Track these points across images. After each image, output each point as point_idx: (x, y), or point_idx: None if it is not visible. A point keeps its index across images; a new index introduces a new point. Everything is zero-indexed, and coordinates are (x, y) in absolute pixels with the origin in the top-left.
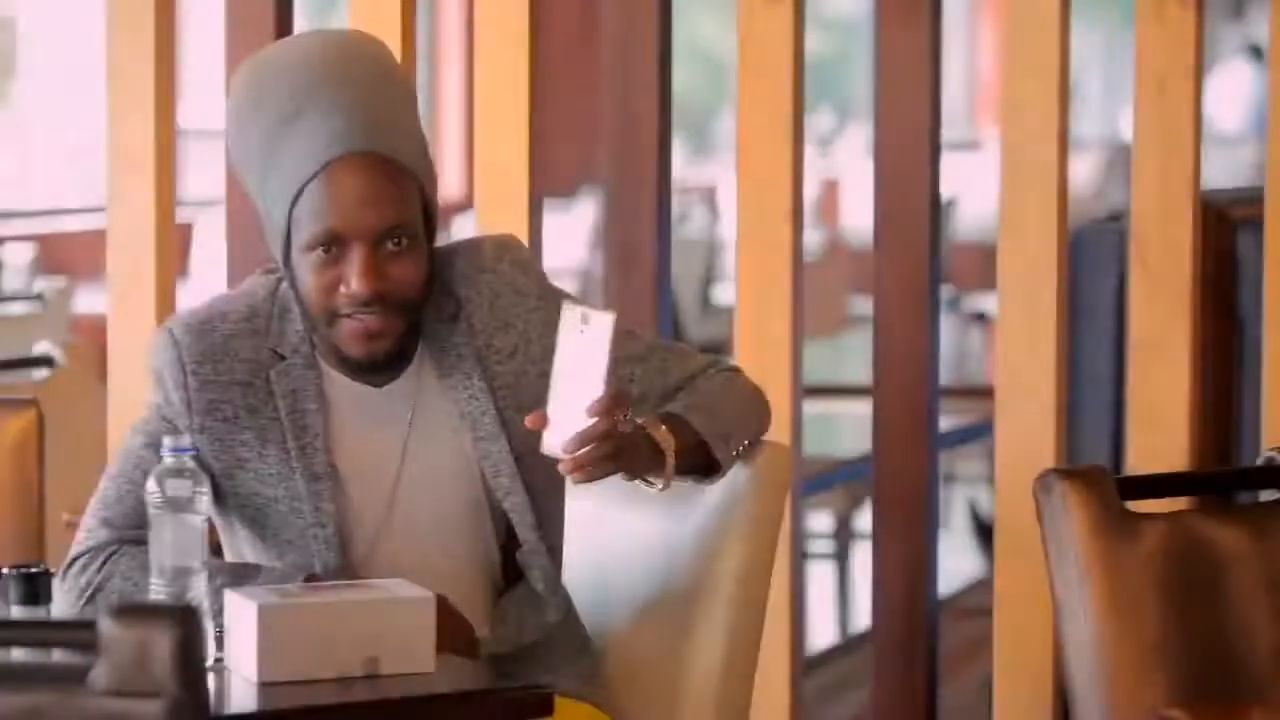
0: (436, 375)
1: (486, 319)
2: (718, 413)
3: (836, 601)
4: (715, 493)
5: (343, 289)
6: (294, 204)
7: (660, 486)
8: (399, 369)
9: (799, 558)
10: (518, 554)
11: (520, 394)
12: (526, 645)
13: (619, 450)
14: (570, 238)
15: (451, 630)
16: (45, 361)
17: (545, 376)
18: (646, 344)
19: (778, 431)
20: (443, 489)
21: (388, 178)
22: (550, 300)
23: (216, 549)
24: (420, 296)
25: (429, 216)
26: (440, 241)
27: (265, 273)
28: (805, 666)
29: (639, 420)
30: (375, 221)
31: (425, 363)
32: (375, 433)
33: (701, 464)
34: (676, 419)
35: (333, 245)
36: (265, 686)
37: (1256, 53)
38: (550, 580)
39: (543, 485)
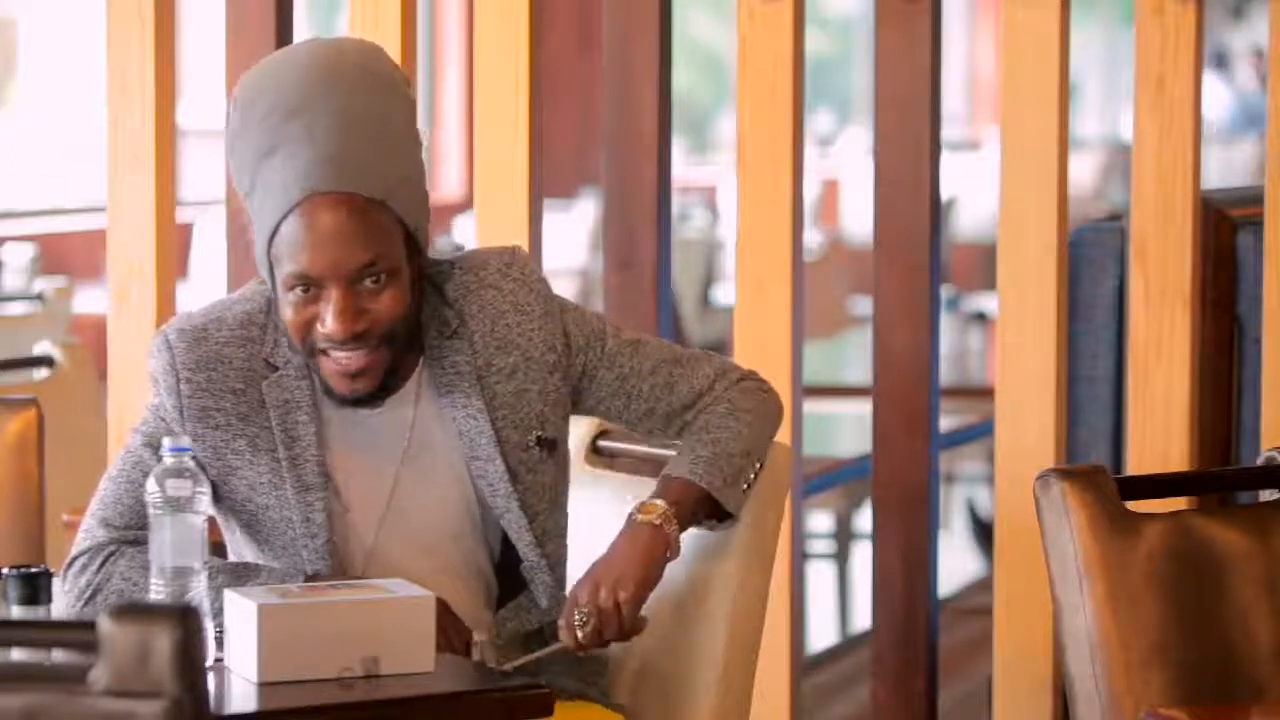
0: (435, 392)
1: (487, 337)
2: (727, 455)
3: (836, 601)
4: None
5: (319, 327)
6: (271, 240)
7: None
8: (394, 389)
9: (799, 558)
10: (521, 568)
11: (519, 413)
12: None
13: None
14: (570, 238)
15: (446, 630)
16: (45, 361)
17: (545, 395)
18: (653, 359)
19: (778, 432)
20: (438, 506)
21: (359, 214)
22: (554, 316)
23: (217, 549)
24: (403, 326)
25: (415, 240)
26: (442, 247)
27: (263, 280)
28: (805, 666)
29: (640, 516)
30: (347, 263)
31: (424, 379)
32: (372, 447)
33: (713, 511)
34: (680, 484)
35: (309, 285)
36: (265, 686)
37: (1219, 60)
38: (553, 595)
39: (541, 503)
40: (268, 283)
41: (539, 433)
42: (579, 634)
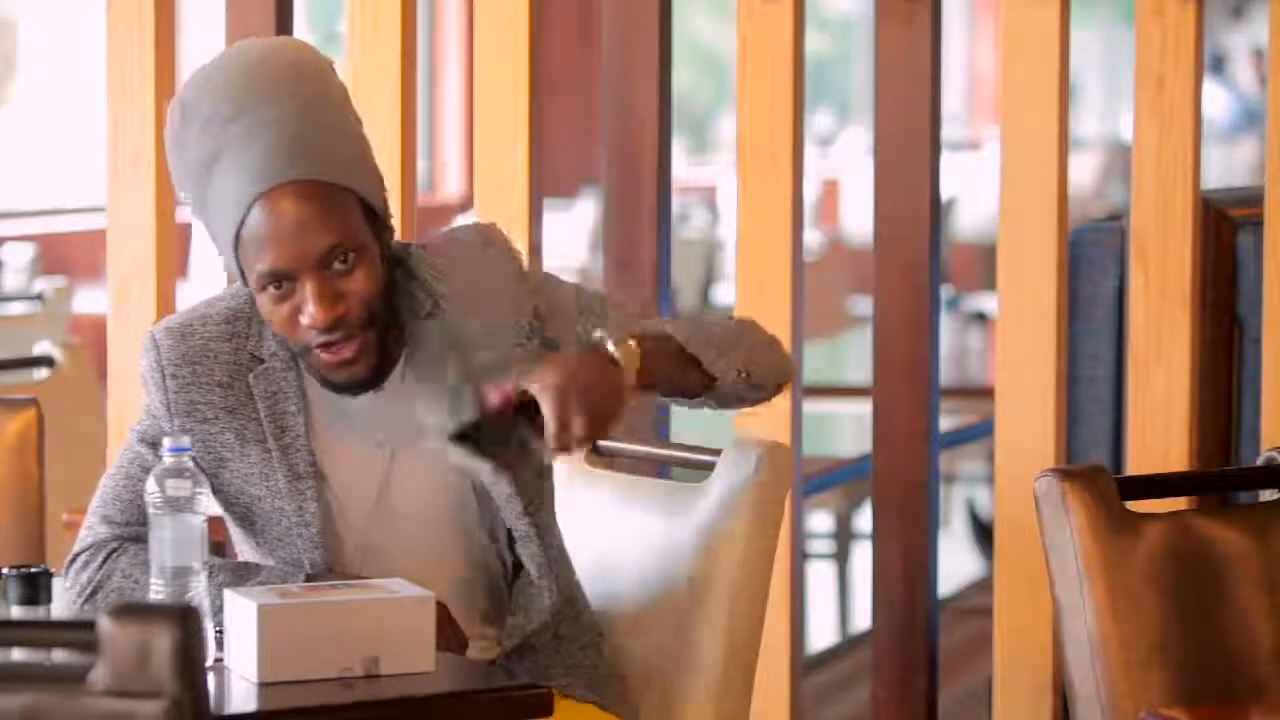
0: (415, 373)
1: (463, 313)
2: (705, 330)
3: (836, 601)
4: (715, 492)
5: (303, 319)
6: (236, 247)
7: (632, 403)
8: (387, 372)
9: (799, 558)
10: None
11: (498, 383)
12: (538, 641)
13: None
14: (570, 238)
15: (444, 631)
16: (45, 361)
17: (523, 363)
18: (625, 312)
19: (778, 431)
20: (429, 486)
21: (313, 201)
22: (529, 285)
23: (218, 548)
24: (381, 303)
25: (377, 215)
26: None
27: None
28: (805, 666)
29: (597, 336)
30: (311, 250)
31: (406, 363)
32: (361, 434)
33: (694, 381)
34: (651, 336)
35: (281, 281)
36: (265, 686)
37: (1218, 60)
38: (541, 565)
39: (527, 470)
40: (245, 288)
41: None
42: (575, 440)
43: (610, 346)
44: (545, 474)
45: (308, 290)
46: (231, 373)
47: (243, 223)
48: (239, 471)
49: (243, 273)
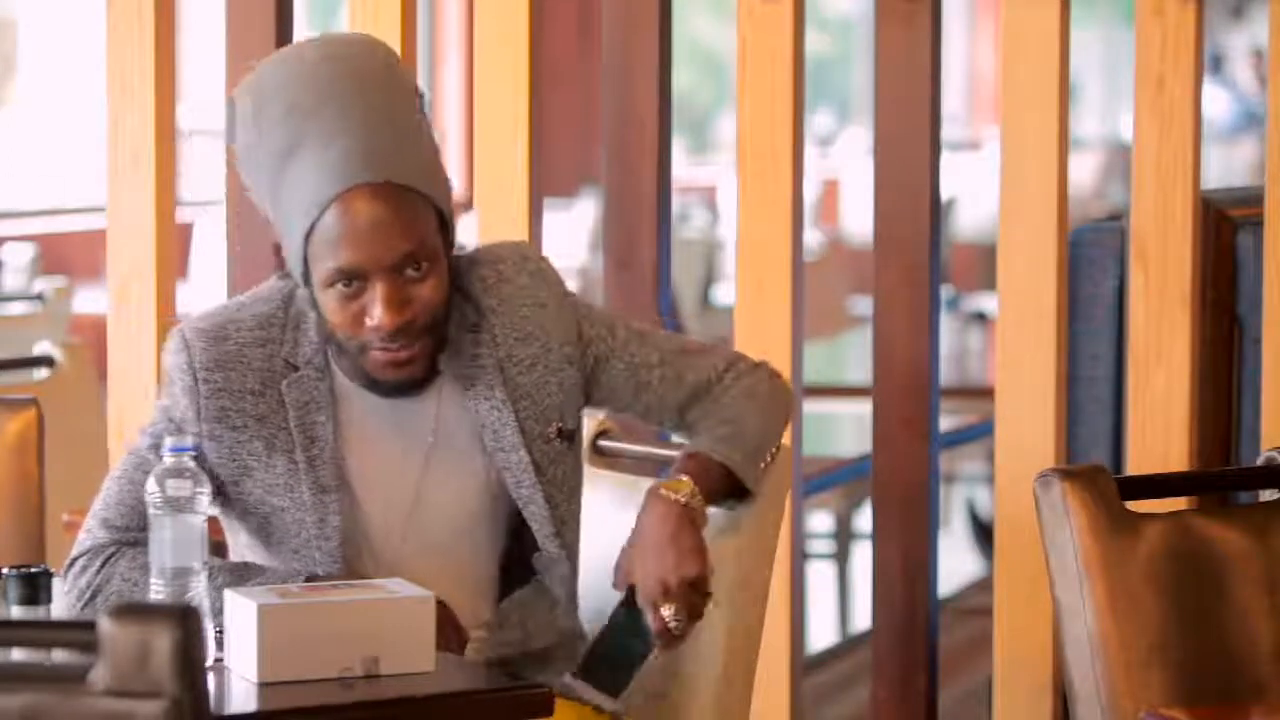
0: (457, 386)
1: (507, 330)
2: (744, 433)
3: (836, 601)
4: None
5: (368, 321)
6: (307, 240)
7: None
8: (431, 379)
9: (799, 558)
10: (535, 559)
11: (540, 405)
12: (531, 649)
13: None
14: (570, 238)
15: (445, 629)
16: (45, 361)
17: (563, 386)
18: (661, 350)
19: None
20: (462, 500)
21: (396, 204)
22: (568, 309)
23: (218, 549)
24: (444, 314)
25: (446, 226)
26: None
27: (281, 277)
28: (805, 666)
29: (667, 493)
30: (390, 254)
31: (446, 373)
32: (394, 445)
33: (731, 489)
34: (701, 459)
35: (352, 279)
36: (265, 686)
37: (1218, 61)
38: (569, 586)
39: (560, 493)
40: (301, 282)
41: (559, 424)
42: (673, 629)
43: (669, 494)
44: (575, 497)
45: (378, 293)
46: (263, 380)
47: (316, 221)
48: (263, 481)
49: (306, 268)
